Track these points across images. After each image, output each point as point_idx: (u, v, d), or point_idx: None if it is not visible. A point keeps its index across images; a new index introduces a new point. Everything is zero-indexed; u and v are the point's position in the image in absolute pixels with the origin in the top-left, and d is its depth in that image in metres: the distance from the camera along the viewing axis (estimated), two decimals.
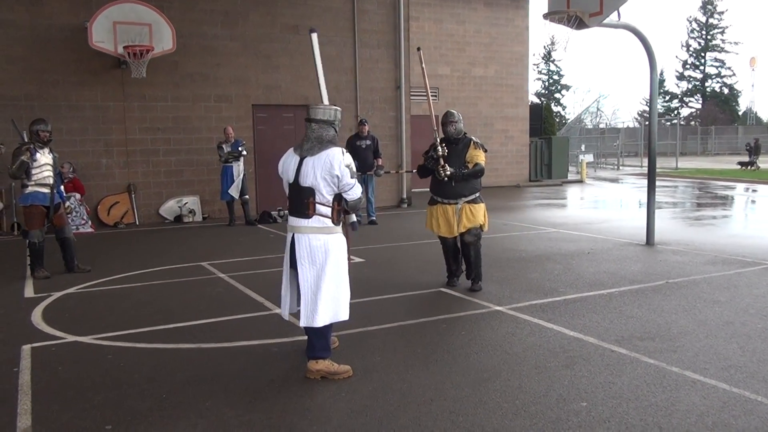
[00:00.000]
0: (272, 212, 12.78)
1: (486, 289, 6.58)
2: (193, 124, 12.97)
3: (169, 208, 12.82)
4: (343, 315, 4.23)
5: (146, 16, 11.71)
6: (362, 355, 4.65)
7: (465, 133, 6.59)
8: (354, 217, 4.51)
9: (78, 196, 11.50)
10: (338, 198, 4.20)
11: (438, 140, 6.34)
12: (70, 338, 5.15)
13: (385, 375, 4.25)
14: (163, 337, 5.14)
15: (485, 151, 6.53)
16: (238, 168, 11.97)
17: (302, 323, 4.15)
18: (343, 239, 4.29)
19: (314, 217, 4.11)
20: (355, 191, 4.22)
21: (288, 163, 4.26)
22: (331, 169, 4.07)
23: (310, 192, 4.10)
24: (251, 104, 13.48)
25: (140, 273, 7.72)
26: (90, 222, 11.66)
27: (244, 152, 12.03)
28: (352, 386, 4.06)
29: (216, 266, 8.05)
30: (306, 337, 4.36)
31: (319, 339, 4.17)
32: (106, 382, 4.21)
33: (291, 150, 4.33)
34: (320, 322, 4.10)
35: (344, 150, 4.20)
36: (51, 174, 7.50)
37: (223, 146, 11.93)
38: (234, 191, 11.97)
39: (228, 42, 13.13)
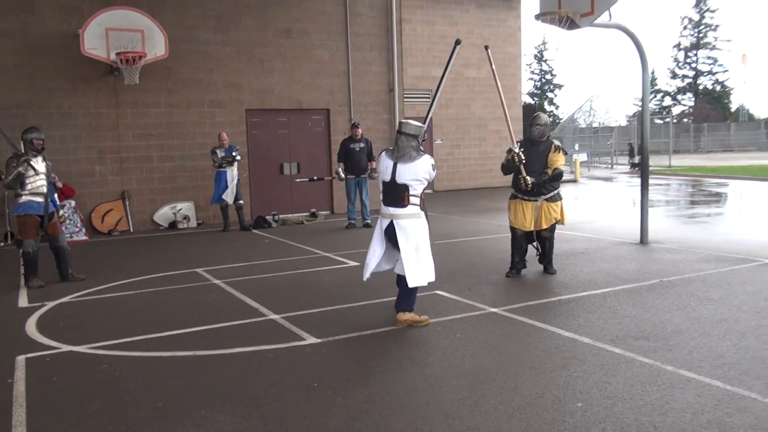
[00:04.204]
0: (267, 217, 12.77)
1: (481, 290, 6.60)
2: (187, 129, 12.95)
3: (164, 214, 12.80)
4: (432, 278, 5.44)
5: (139, 22, 11.70)
6: (358, 359, 4.66)
7: (549, 136, 7.19)
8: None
9: (72, 203, 11.48)
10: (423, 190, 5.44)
11: (516, 146, 6.82)
12: (65, 348, 5.14)
13: (382, 379, 4.26)
14: (158, 345, 5.13)
15: (565, 154, 7.18)
16: (232, 173, 11.96)
17: (410, 284, 5.26)
18: (426, 222, 5.51)
19: (408, 206, 5.33)
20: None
21: (384, 166, 5.42)
22: (423, 174, 5.33)
23: (405, 188, 5.31)
24: (245, 109, 13.48)
25: (135, 281, 7.71)
26: (84, 230, 11.63)
27: (238, 157, 12.03)
28: (348, 392, 4.07)
29: (211, 272, 8.04)
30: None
31: (410, 295, 5.39)
32: (101, 391, 4.20)
33: (384, 153, 5.49)
34: (422, 282, 5.33)
35: (431, 156, 5.43)
36: (45, 183, 7.49)
37: (217, 151, 11.92)
38: (228, 196, 11.96)
39: (221, 47, 13.13)
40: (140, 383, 4.32)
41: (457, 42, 6.17)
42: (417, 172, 5.30)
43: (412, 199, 5.33)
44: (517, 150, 6.83)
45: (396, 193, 5.33)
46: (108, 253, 10.04)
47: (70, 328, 5.75)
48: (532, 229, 7.12)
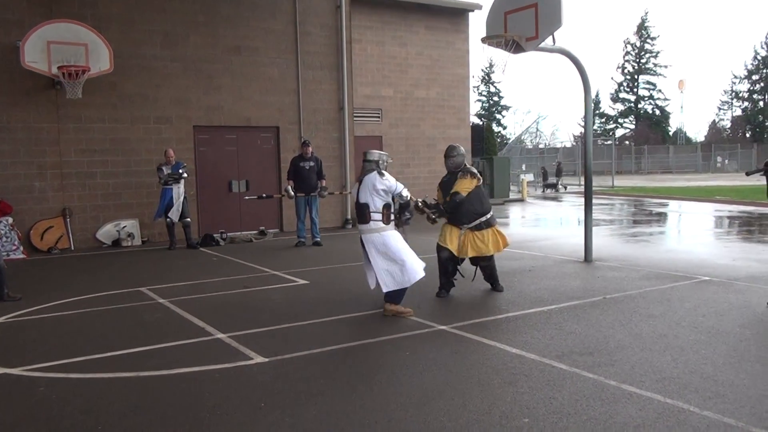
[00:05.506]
0: (214, 235, 12.56)
1: (429, 308, 6.63)
2: (132, 146, 12.67)
3: (107, 231, 12.45)
4: (408, 282, 6.16)
5: (83, 36, 11.43)
6: (306, 378, 4.61)
7: (465, 165, 7.15)
8: (408, 214, 6.44)
9: (9, 220, 11.06)
10: (386, 206, 6.16)
11: (420, 202, 6.88)
12: None
13: (330, 399, 4.21)
14: (99, 367, 4.96)
15: (474, 177, 7.00)
16: (179, 190, 11.74)
17: (384, 289, 6.14)
18: (395, 232, 6.22)
19: (370, 222, 6.12)
20: (402, 191, 6.28)
21: (355, 188, 6.33)
22: (374, 187, 6.09)
23: (366, 206, 6.15)
24: (192, 125, 13.28)
25: (75, 300, 7.45)
26: (22, 248, 11.21)
27: (185, 174, 11.82)
28: (296, 411, 4.01)
29: (156, 291, 7.84)
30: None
31: (395, 293, 6.16)
32: (37, 415, 4.03)
33: (357, 179, 6.38)
34: (394, 286, 6.12)
35: (379, 171, 6.16)
36: None
37: (163, 168, 11.70)
38: (174, 214, 11.74)
39: (168, 63, 12.94)
40: (79, 406, 4.16)
41: None
42: (368, 188, 6.12)
43: (374, 216, 6.11)
44: (420, 204, 6.84)
45: (360, 211, 6.21)
46: (47, 272, 9.69)
47: (4, 349, 5.51)
48: (456, 253, 7.01)
